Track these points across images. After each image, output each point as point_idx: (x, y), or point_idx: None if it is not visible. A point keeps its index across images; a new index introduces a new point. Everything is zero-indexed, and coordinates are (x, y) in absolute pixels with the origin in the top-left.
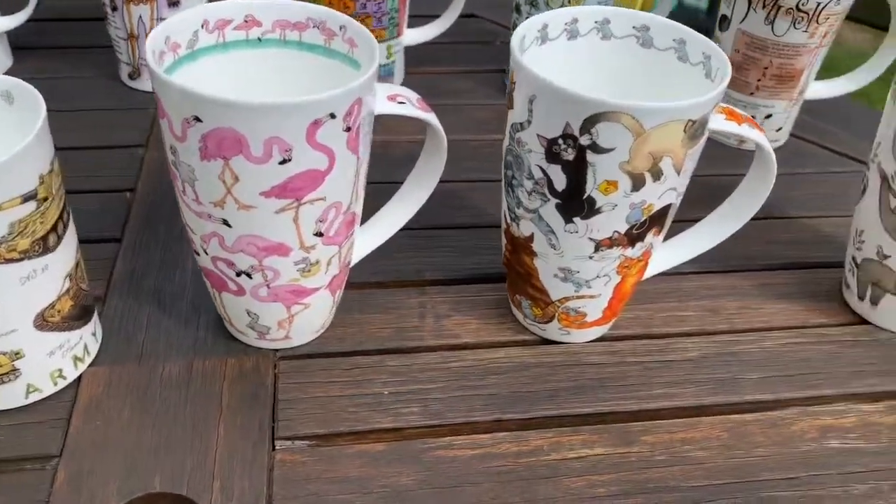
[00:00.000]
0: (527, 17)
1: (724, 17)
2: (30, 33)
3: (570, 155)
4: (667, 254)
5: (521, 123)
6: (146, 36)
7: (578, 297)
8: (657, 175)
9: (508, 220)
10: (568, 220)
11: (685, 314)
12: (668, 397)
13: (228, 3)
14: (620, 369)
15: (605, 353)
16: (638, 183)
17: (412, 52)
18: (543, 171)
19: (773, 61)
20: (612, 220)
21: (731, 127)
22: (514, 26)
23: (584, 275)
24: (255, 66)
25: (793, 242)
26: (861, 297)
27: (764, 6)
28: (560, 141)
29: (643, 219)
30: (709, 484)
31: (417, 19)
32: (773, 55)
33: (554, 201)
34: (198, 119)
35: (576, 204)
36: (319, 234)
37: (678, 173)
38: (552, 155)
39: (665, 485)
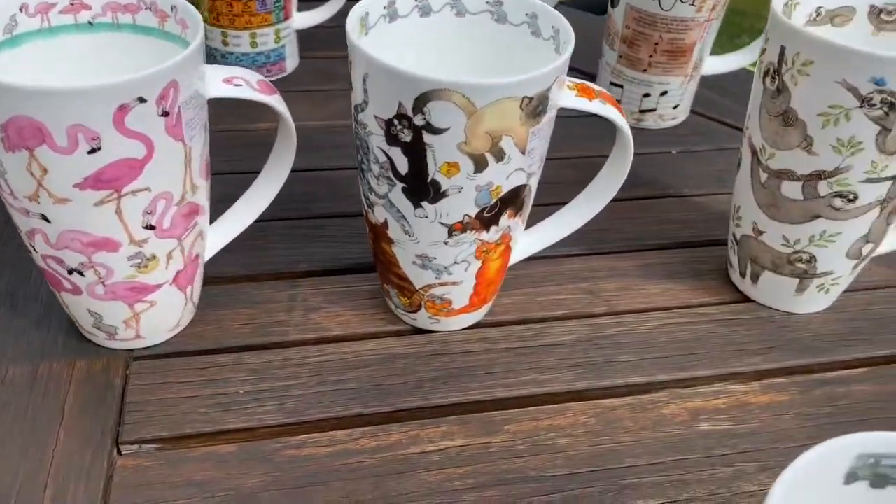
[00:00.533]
0: None
1: None
2: None
3: (407, 136)
4: (533, 238)
5: (360, 105)
6: None
7: (441, 284)
8: (499, 156)
9: (366, 207)
10: (416, 204)
11: (564, 297)
12: (538, 384)
13: None
14: (490, 357)
15: (476, 341)
16: (480, 164)
17: (308, 36)
18: (386, 153)
19: (664, 37)
20: (461, 203)
21: (582, 104)
22: None
23: (442, 261)
24: (87, 52)
25: (683, 221)
26: (742, 275)
27: None
28: (395, 122)
29: (493, 201)
30: (569, 472)
31: (312, 3)
32: (662, 30)
33: (400, 185)
34: None
35: (421, 187)
36: (151, 227)
37: (523, 153)
38: (391, 136)
39: (524, 475)
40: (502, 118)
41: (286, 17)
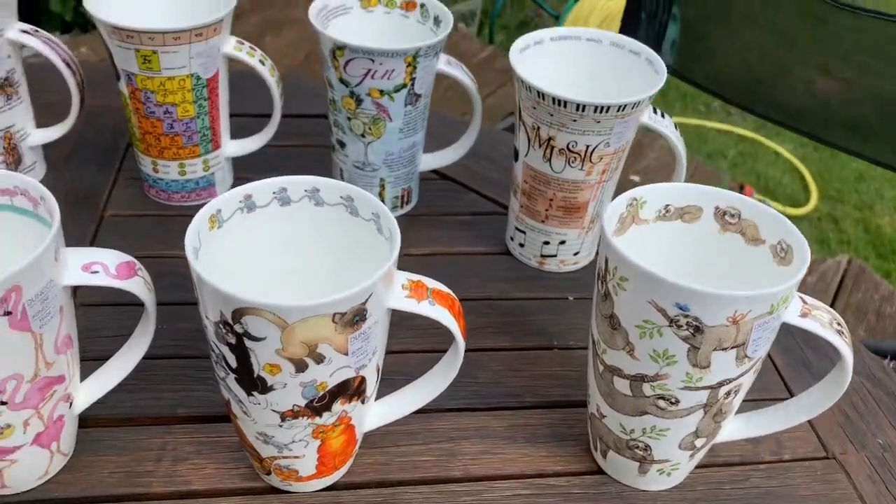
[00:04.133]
0: (335, 129)
1: (514, 148)
2: None
3: (231, 339)
4: (384, 409)
5: (197, 301)
6: None
7: (285, 458)
8: (318, 359)
9: None
10: (248, 392)
11: (424, 459)
12: None
13: None
14: None
15: None
16: (300, 366)
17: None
18: (218, 347)
19: (557, 194)
20: (288, 395)
21: (410, 305)
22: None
23: (281, 439)
24: None
25: (561, 377)
26: (595, 448)
27: (540, 144)
28: (221, 326)
29: (320, 394)
30: None
31: (255, 120)
32: (555, 189)
33: (232, 375)
34: None
35: (249, 381)
36: (3, 403)
37: (346, 354)
38: (219, 336)
39: None
40: (314, 331)
41: (215, 148)
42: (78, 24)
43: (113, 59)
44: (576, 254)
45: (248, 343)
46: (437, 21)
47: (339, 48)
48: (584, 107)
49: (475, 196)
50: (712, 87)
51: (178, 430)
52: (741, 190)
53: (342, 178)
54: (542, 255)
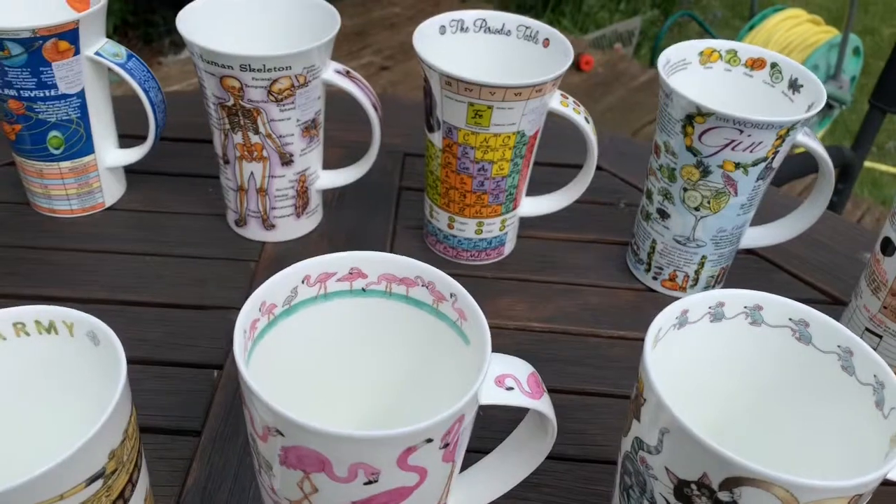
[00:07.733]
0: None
1: (888, 240)
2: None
3: (703, 503)
4: None
5: (648, 447)
6: (255, 190)
7: None
8: None
9: None
10: None
11: None
12: None
13: (332, 257)
14: None
15: None
16: None
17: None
18: (666, 501)
19: None
20: None
21: None
22: (648, 193)
23: None
24: (358, 315)
25: None
26: None
27: None
28: (694, 486)
29: None
30: None
31: (543, 170)
32: None
33: None
34: (280, 433)
35: None
36: None
37: None
38: (682, 495)
39: None
40: None
41: (514, 208)
42: None
43: (432, 110)
44: None
45: None
46: (794, 85)
47: (702, 115)
48: None
49: (787, 277)
50: None
51: None
52: None
53: (652, 250)
54: None
